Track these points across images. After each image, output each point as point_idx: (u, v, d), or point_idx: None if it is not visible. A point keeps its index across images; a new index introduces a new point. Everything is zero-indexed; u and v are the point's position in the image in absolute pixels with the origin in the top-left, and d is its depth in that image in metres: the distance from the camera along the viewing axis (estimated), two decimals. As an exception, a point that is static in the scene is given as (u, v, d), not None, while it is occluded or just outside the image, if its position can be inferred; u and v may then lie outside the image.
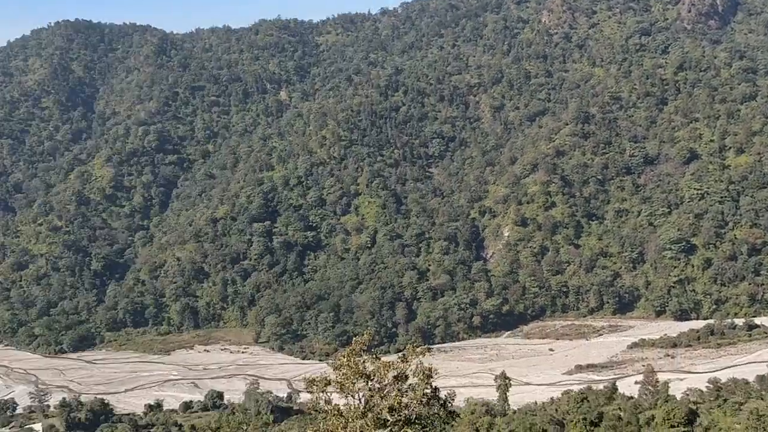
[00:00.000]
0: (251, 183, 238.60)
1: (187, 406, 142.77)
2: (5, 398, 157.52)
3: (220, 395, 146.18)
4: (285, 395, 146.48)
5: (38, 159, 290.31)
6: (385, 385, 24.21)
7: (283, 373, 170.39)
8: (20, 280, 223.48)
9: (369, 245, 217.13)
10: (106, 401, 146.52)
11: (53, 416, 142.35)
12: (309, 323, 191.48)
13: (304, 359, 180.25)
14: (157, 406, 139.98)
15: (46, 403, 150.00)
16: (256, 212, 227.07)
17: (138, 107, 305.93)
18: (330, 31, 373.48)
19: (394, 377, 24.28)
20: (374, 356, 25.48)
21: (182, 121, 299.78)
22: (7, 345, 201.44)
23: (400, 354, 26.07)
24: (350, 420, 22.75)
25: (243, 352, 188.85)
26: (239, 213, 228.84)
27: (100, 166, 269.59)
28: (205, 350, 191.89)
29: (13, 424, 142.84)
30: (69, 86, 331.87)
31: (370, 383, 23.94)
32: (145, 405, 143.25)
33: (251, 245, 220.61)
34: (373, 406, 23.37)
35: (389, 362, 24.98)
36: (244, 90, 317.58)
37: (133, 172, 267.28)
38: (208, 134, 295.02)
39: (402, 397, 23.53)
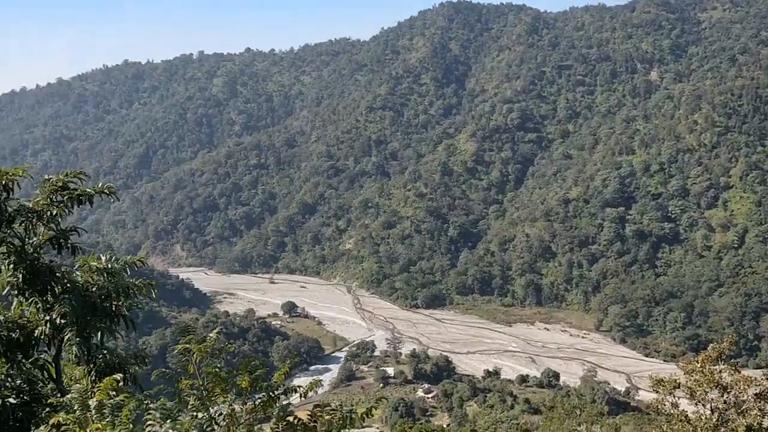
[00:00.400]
0: (608, 166, 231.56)
1: (522, 379, 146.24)
2: (367, 339, 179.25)
3: (556, 375, 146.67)
4: (623, 389, 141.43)
5: (413, 131, 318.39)
6: (744, 401, 21.87)
7: (622, 366, 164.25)
8: (388, 238, 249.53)
9: (736, 245, 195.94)
10: (449, 359, 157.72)
11: (403, 363, 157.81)
12: (656, 320, 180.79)
13: (646, 356, 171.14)
14: (495, 373, 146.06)
15: (399, 350, 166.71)
16: (611, 197, 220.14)
17: (505, 85, 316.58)
18: (716, 7, 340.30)
19: (756, 395, 21.76)
20: (733, 368, 23.13)
21: (545, 100, 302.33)
22: (372, 293, 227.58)
23: (765, 371, 23.31)
24: (699, 429, 21.07)
25: (583, 337, 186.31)
26: (592, 196, 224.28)
27: (465, 140, 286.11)
28: (545, 328, 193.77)
29: (371, 363, 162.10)
30: (445, 64, 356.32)
31: (725, 396, 21.85)
32: (484, 370, 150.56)
33: (602, 230, 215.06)
34: (727, 421, 21.29)
35: (751, 377, 22.47)
36: (612, 70, 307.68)
37: (494, 147, 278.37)
38: (569, 114, 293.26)
39: (763, 418, 21.03)
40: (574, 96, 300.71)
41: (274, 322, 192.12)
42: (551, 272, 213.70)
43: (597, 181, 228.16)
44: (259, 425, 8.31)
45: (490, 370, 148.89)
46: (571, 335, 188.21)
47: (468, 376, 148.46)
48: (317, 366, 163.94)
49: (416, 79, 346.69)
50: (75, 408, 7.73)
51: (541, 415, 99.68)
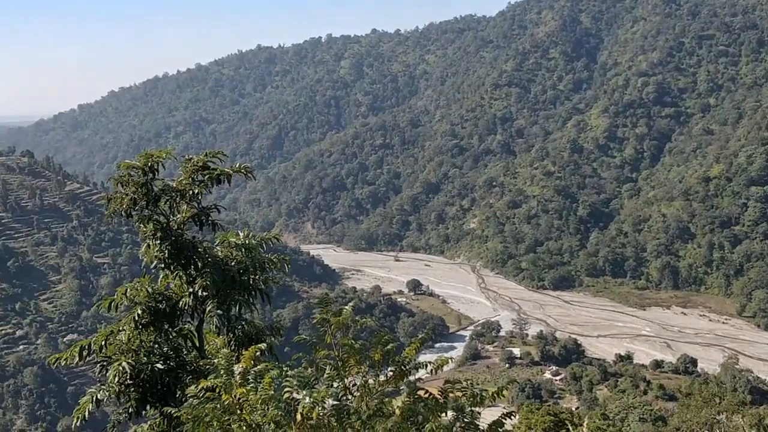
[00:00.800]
0: (754, 142, 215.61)
1: (657, 364, 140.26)
2: (492, 319, 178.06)
3: (694, 361, 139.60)
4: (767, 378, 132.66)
5: (540, 107, 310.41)
6: None
7: (767, 353, 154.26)
8: (513, 217, 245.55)
9: None
10: (578, 342, 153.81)
11: (530, 345, 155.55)
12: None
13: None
14: (627, 358, 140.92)
15: (525, 332, 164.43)
16: (756, 174, 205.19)
17: (640, 58, 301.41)
18: None
19: None
20: None
21: (684, 72, 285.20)
22: (497, 273, 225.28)
23: None
24: None
25: (723, 323, 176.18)
26: (736, 173, 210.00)
27: (596, 116, 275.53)
28: (682, 312, 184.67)
29: (496, 343, 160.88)
30: (575, 37, 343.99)
31: None
32: (615, 354, 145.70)
33: (746, 210, 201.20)
34: None
35: None
36: (758, 38, 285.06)
37: (628, 123, 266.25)
38: (710, 87, 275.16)
39: None
40: (715, 67, 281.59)
41: (399, 299, 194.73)
42: (689, 254, 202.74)
43: (741, 157, 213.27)
44: (389, 398, 8.43)
45: (622, 354, 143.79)
46: (710, 320, 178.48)
47: (598, 359, 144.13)
48: (442, 343, 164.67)
49: (544, 54, 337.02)
50: (221, 373, 8.17)
51: (676, 402, 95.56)
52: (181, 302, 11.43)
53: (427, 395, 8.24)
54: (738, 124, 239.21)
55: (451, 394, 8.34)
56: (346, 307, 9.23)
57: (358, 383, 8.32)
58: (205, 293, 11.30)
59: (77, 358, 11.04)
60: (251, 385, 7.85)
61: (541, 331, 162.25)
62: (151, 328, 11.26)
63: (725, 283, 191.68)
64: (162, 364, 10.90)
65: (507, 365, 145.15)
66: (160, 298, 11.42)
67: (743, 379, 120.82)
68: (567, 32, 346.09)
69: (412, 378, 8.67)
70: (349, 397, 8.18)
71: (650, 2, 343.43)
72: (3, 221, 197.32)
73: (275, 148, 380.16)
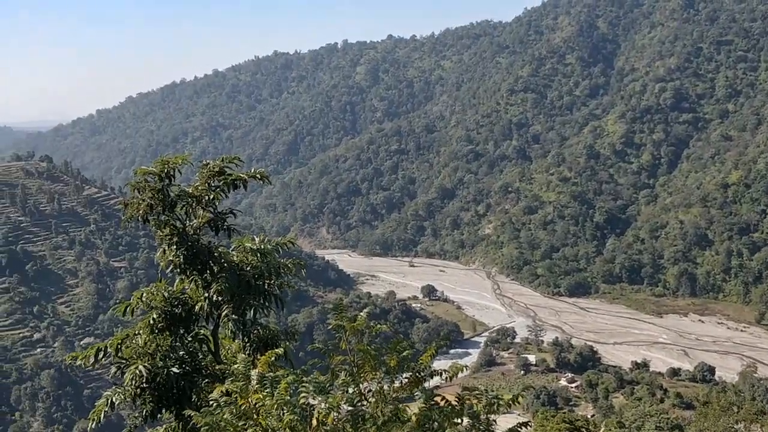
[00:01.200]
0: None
1: (674, 372, 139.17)
2: (507, 326, 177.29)
3: (711, 370, 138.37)
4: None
5: (556, 113, 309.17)
6: None
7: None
8: (529, 223, 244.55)
9: None
10: (594, 349, 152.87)
11: (545, 352, 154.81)
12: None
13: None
14: (644, 365, 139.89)
15: (540, 338, 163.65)
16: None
17: (658, 63, 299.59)
18: None
19: None
20: None
21: (702, 78, 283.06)
22: (513, 280, 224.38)
23: None
24: None
25: (742, 331, 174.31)
26: (755, 180, 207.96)
27: (613, 121, 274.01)
28: (699, 320, 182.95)
29: (511, 350, 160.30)
30: (592, 43, 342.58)
31: None
32: (631, 361, 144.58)
33: (765, 217, 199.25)
34: None
35: None
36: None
37: (645, 129, 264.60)
38: (729, 92, 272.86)
39: None
40: (734, 73, 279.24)
41: (414, 305, 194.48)
42: (707, 261, 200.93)
43: (760, 164, 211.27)
44: (404, 405, 8.40)
45: (639, 361, 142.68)
46: (728, 328, 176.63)
47: (614, 367, 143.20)
48: (456, 350, 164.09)
49: (561, 60, 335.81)
50: (239, 378, 8.18)
51: (693, 410, 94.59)
52: (196, 307, 11.46)
53: (443, 402, 8.20)
54: (757, 130, 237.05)
55: (467, 401, 8.30)
56: (361, 313, 9.21)
57: (374, 389, 8.30)
58: (220, 298, 11.32)
59: (93, 359, 11.12)
60: (267, 390, 7.86)
61: (557, 337, 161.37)
62: (167, 333, 11.30)
63: (743, 290, 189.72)
64: (178, 368, 10.92)
65: (522, 372, 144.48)
66: (176, 303, 11.46)
67: (762, 387, 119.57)
68: (584, 38, 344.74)
69: (427, 384, 8.63)
70: (365, 403, 8.16)
71: (668, 8, 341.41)
72: (22, 225, 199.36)
73: (291, 153, 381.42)
